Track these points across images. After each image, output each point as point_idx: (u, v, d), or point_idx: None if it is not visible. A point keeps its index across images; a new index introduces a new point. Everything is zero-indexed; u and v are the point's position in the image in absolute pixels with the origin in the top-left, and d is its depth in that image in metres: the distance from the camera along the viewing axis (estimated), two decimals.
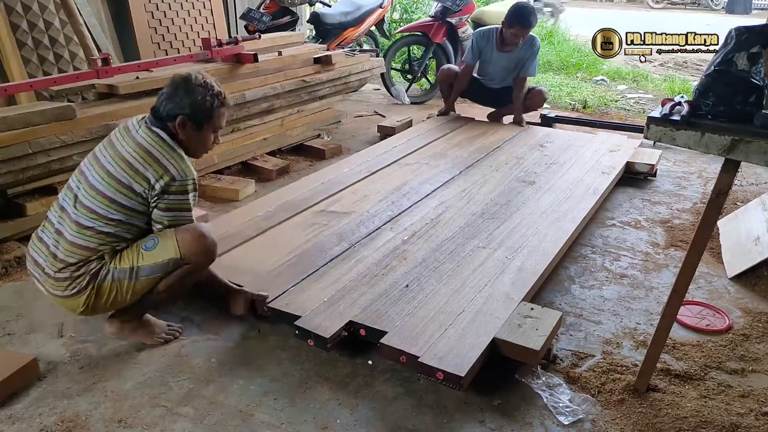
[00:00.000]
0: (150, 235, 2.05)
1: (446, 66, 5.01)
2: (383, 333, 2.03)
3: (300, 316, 2.12)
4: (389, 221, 2.91)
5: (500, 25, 4.38)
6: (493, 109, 4.90)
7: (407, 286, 2.33)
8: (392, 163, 3.75)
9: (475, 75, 4.74)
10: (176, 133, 2.06)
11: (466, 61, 4.69)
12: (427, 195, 3.23)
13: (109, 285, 2.01)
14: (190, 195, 2.05)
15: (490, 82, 4.67)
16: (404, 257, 2.56)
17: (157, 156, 1.99)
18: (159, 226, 2.04)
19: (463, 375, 1.82)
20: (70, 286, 2.01)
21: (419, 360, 1.89)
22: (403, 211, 3.02)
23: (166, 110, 2.04)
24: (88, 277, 1.99)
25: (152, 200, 2.00)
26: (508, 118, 4.80)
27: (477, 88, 4.78)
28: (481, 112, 5.65)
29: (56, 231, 2.04)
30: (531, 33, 4.41)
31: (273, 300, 2.23)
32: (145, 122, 2.08)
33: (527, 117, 4.70)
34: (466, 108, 5.78)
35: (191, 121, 2.05)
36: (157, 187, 1.97)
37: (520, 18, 4.21)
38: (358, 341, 2.13)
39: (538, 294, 2.57)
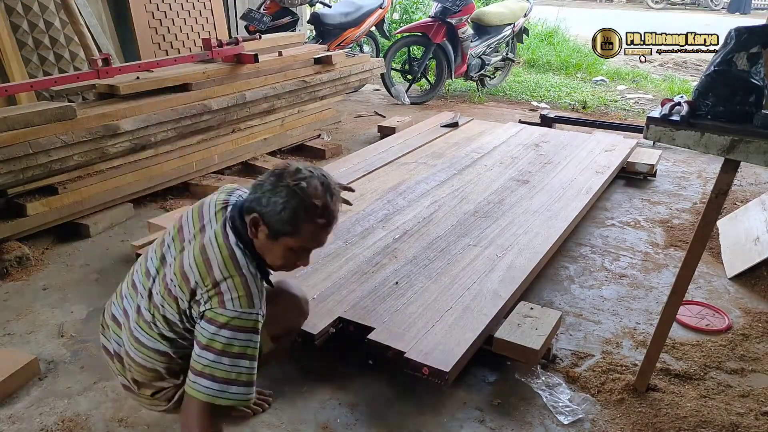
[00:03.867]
0: None
1: None
2: (371, 329, 2.04)
3: None
4: (383, 220, 2.91)
5: None
6: None
7: (397, 283, 2.33)
8: (390, 162, 3.76)
9: None
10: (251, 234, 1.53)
11: None
12: (422, 194, 3.24)
13: None
14: (249, 335, 1.45)
15: None
16: (395, 255, 2.56)
17: (212, 263, 1.47)
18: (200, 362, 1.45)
19: (448, 370, 1.82)
20: (159, 402, 1.68)
21: (405, 355, 1.90)
22: (398, 210, 3.02)
23: (248, 200, 1.51)
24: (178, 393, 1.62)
25: (196, 316, 1.49)
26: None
27: None
28: (481, 112, 5.66)
29: (126, 353, 1.64)
30: None
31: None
32: (225, 215, 1.57)
33: (528, 117, 4.67)
34: (466, 108, 5.79)
35: (266, 224, 1.47)
36: (202, 301, 1.46)
37: None
38: (360, 341, 2.13)
39: (537, 294, 2.57)
